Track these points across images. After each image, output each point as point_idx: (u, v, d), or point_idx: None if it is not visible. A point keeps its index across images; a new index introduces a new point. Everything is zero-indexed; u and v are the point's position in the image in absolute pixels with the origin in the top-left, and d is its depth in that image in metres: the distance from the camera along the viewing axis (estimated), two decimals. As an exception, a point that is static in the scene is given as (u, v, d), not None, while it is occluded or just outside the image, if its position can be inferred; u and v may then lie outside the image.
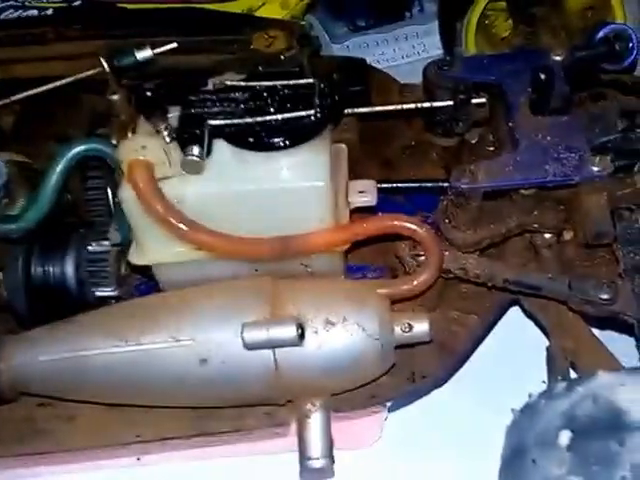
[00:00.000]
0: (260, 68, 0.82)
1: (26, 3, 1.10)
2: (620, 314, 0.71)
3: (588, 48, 0.87)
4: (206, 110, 0.70)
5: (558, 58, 0.84)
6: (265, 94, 0.70)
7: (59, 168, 0.73)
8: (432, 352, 0.76)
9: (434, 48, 1.22)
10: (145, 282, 0.81)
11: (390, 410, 0.77)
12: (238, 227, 0.69)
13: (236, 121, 0.69)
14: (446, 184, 0.79)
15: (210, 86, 0.76)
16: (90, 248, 0.80)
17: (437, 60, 0.89)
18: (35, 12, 1.11)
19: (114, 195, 0.78)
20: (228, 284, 0.69)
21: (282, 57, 0.88)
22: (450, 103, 0.85)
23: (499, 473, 0.63)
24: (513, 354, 0.86)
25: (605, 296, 0.70)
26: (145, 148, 0.67)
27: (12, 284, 0.76)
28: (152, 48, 0.87)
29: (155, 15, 1.06)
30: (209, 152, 0.68)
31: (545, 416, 0.56)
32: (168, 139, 0.68)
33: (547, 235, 0.81)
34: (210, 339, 0.66)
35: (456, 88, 0.85)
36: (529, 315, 0.83)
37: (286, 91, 0.70)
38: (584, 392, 0.55)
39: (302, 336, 0.64)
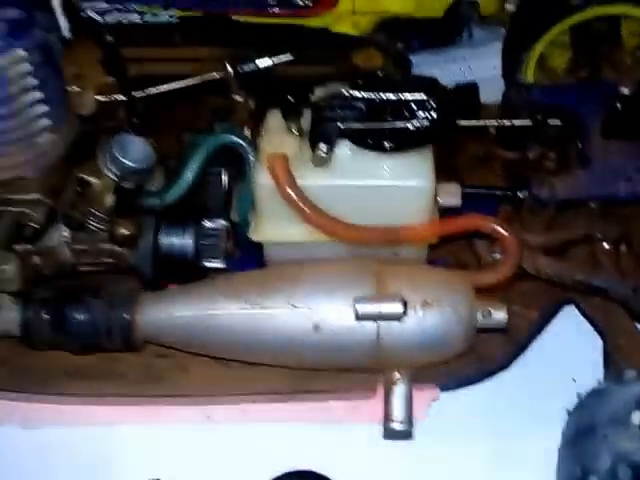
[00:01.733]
0: (359, 82, 0.87)
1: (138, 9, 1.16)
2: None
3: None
4: (334, 114, 0.75)
5: (626, 91, 0.89)
6: (384, 104, 0.76)
7: (201, 154, 0.79)
8: (497, 340, 0.81)
9: (480, 71, 1.21)
10: (246, 258, 0.86)
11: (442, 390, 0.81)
12: (351, 215, 0.76)
13: (359, 125, 0.75)
14: (524, 193, 0.85)
15: (316, 95, 0.83)
16: (206, 225, 0.86)
17: (519, 84, 0.95)
18: (136, 16, 1.17)
19: (237, 179, 0.85)
20: (339, 262, 0.76)
21: (379, 73, 0.95)
22: (528, 123, 0.90)
23: (561, 451, 0.68)
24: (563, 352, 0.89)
25: None
26: (282, 143, 0.74)
27: (143, 251, 0.82)
28: (271, 58, 0.94)
29: (267, 30, 1.12)
30: (334, 149, 0.75)
31: (617, 399, 0.62)
32: (300, 137, 0.74)
33: (607, 245, 0.86)
34: (324, 308, 0.72)
35: (533, 110, 0.90)
36: (584, 314, 0.86)
37: (403, 103, 0.76)
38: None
39: (405, 313, 0.71)
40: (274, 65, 0.93)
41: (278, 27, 1.14)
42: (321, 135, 0.74)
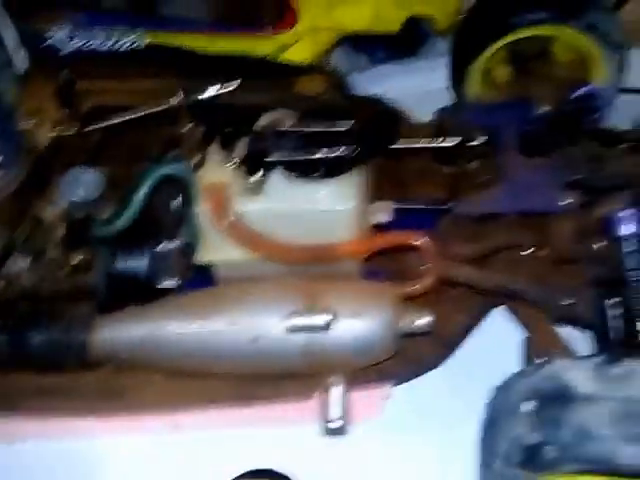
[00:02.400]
0: (303, 107, 0.92)
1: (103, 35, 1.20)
2: (578, 317, 0.83)
3: (569, 104, 1.00)
4: (267, 145, 0.82)
5: (545, 110, 0.96)
6: (313, 135, 0.82)
7: (147, 184, 0.85)
8: (428, 342, 0.86)
9: (440, 82, 1.26)
10: (198, 277, 0.91)
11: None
12: (284, 236, 0.82)
13: (290, 156, 0.81)
14: (448, 207, 0.91)
15: (263, 121, 0.89)
16: (159, 248, 0.91)
17: (449, 106, 1.01)
18: (100, 43, 1.22)
19: (183, 206, 0.91)
20: (275, 281, 0.82)
21: (319, 98, 1.01)
22: (456, 142, 0.96)
23: (479, 439, 0.75)
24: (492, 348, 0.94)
25: (568, 302, 0.82)
26: (218, 173, 0.80)
27: (98, 276, 0.87)
28: (218, 88, 0.99)
29: (215, 60, 1.18)
30: (267, 178, 0.81)
31: (513, 391, 0.68)
32: (235, 167, 0.81)
33: (525, 251, 0.91)
34: (260, 323, 0.78)
35: (462, 129, 0.96)
36: (512, 314, 0.91)
37: (329, 133, 0.82)
38: (545, 372, 0.67)
39: (330, 324, 0.77)
40: (221, 94, 0.98)
41: (227, 57, 1.19)
42: (255, 165, 0.80)
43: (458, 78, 1.16)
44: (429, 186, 1.00)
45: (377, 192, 0.92)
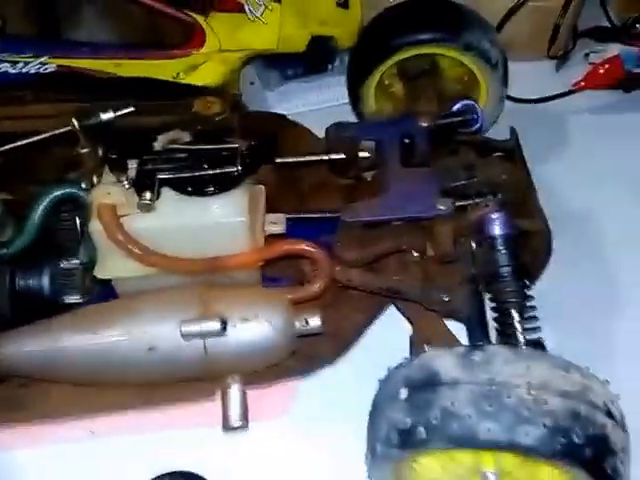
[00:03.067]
0: (199, 127, 0.95)
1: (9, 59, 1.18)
2: (456, 311, 0.88)
3: (447, 117, 1.05)
4: (156, 166, 0.84)
5: (424, 124, 1.02)
6: (200, 154, 0.85)
7: (42, 206, 0.86)
8: (326, 340, 0.90)
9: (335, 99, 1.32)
10: (103, 291, 0.91)
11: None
12: (179, 250, 0.84)
13: (178, 174, 0.83)
14: (337, 216, 0.95)
15: (159, 142, 0.91)
16: (62, 265, 0.92)
17: (335, 124, 1.06)
18: (8, 66, 1.19)
19: (82, 225, 0.92)
20: (169, 291, 0.83)
21: (216, 119, 1.03)
22: (343, 156, 1.01)
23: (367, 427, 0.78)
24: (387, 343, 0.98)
25: (446, 298, 0.87)
26: (110, 194, 0.82)
27: (1, 295, 0.87)
28: (114, 111, 1.00)
29: (116, 82, 1.19)
30: (158, 196, 0.83)
31: (393, 380, 0.72)
32: (127, 186, 0.82)
33: (414, 253, 0.95)
34: (156, 332, 0.80)
35: (349, 144, 1.01)
36: (402, 313, 0.96)
37: (216, 152, 0.85)
38: (417, 362, 0.71)
39: (224, 329, 0.80)
40: (117, 116, 1.00)
41: (127, 80, 1.19)
42: (144, 185, 0.82)
43: (354, 95, 1.20)
44: (325, 197, 1.04)
45: (277, 204, 0.95)
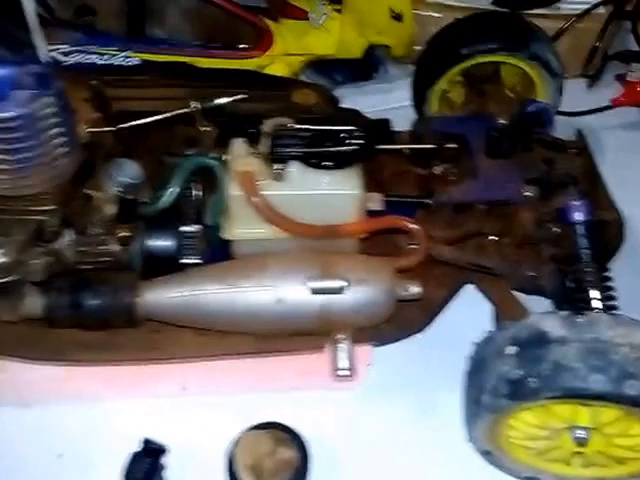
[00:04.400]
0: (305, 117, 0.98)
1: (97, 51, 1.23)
2: (542, 287, 0.92)
3: (522, 116, 1.10)
4: (285, 141, 0.88)
5: (503, 122, 1.06)
6: (323, 134, 0.90)
7: (183, 172, 0.90)
8: (416, 309, 0.94)
9: (393, 102, 1.34)
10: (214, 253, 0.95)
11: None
12: (299, 216, 0.88)
13: (305, 150, 0.88)
14: (429, 200, 0.99)
15: (266, 126, 0.95)
16: (184, 229, 0.96)
17: (424, 117, 1.10)
18: (96, 58, 1.25)
19: (209, 193, 0.96)
20: (295, 253, 0.88)
21: (313, 109, 1.08)
22: (434, 146, 1.05)
23: (464, 383, 0.82)
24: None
25: (534, 274, 0.91)
26: (247, 164, 0.86)
27: (135, 251, 0.91)
28: (228, 97, 1.04)
29: (222, 73, 1.23)
30: (286, 168, 0.88)
31: (497, 340, 0.77)
32: (263, 159, 0.87)
33: (492, 237, 1.00)
34: (284, 286, 0.84)
35: (435, 136, 1.05)
36: (480, 290, 0.99)
37: (336, 133, 0.90)
38: (523, 324, 0.76)
39: (343, 289, 0.84)
40: (231, 102, 1.05)
41: (230, 71, 1.24)
42: (277, 157, 0.87)
43: (419, 99, 1.24)
44: (403, 185, 1.07)
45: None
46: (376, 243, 0.97)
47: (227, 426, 0.88)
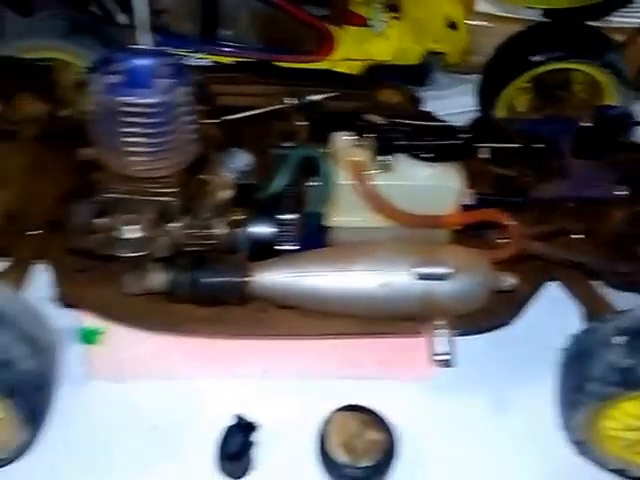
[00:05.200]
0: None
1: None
2: (636, 283, 0.92)
3: (605, 120, 1.09)
4: (391, 135, 0.90)
5: (585, 124, 1.06)
6: (425, 129, 0.92)
7: (291, 162, 0.92)
8: (502, 301, 0.94)
9: (449, 108, 1.32)
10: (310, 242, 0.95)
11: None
12: (402, 205, 0.90)
13: (411, 142, 0.90)
14: (518, 199, 0.99)
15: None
16: (282, 217, 0.98)
17: (507, 118, 1.10)
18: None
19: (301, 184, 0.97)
20: (399, 241, 0.90)
21: (397, 107, 1.10)
22: (519, 146, 1.05)
23: (561, 370, 0.82)
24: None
25: (628, 270, 0.91)
26: (358, 155, 0.88)
27: (242, 235, 0.94)
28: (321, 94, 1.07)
29: (310, 72, 1.27)
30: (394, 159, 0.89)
31: (602, 330, 0.77)
32: (370, 150, 0.89)
33: (577, 235, 1.00)
34: (389, 270, 0.86)
35: (521, 137, 1.04)
36: (565, 287, 1.00)
37: (440, 128, 0.92)
38: (630, 316, 0.76)
39: (447, 276, 0.86)
40: (323, 99, 1.06)
41: (321, 71, 1.28)
42: (384, 149, 0.89)
43: (488, 102, 1.26)
44: (482, 184, 1.06)
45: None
46: (465, 236, 0.98)
47: (312, 407, 0.90)
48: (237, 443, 0.86)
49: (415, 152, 0.90)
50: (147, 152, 0.79)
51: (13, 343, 0.73)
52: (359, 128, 0.91)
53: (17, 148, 0.96)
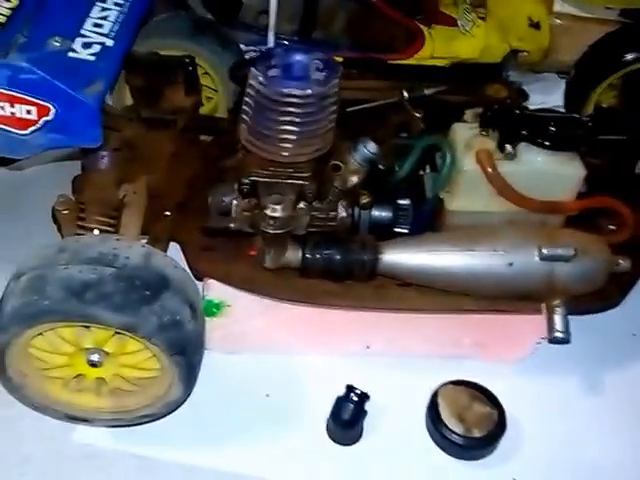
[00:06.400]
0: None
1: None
2: None
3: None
4: (515, 125, 0.92)
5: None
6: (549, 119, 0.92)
7: (418, 149, 0.95)
8: (612, 284, 0.94)
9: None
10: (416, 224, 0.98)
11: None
12: (527, 191, 0.92)
13: (535, 133, 0.91)
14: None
15: (468, 115, 0.99)
16: (400, 202, 1.00)
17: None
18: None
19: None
20: (523, 225, 0.91)
21: (507, 101, 1.11)
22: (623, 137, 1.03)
23: None
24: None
25: None
26: (479, 144, 0.91)
27: (365, 216, 0.97)
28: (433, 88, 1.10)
29: (423, 68, 1.30)
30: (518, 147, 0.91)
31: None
32: (495, 139, 0.91)
33: None
34: (516, 251, 0.88)
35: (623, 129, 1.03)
36: None
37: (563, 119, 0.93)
38: None
39: (571, 257, 0.87)
40: (435, 93, 1.09)
41: (429, 66, 1.31)
42: (508, 139, 0.91)
43: (580, 101, 1.26)
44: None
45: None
46: (578, 222, 0.99)
47: (418, 382, 0.94)
48: (349, 412, 0.89)
49: (538, 140, 0.91)
50: (297, 139, 0.83)
51: (181, 306, 0.78)
52: (483, 118, 0.93)
53: (167, 137, 1.02)
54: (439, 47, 1.34)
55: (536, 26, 1.37)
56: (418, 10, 1.37)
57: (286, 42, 1.33)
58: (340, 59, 1.33)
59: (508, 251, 0.88)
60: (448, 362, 0.97)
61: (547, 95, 1.32)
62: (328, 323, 0.95)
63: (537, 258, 0.87)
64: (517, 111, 0.93)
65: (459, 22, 1.36)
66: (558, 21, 1.41)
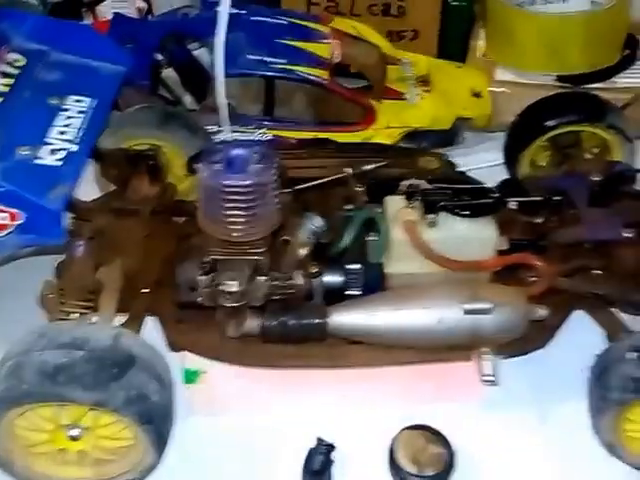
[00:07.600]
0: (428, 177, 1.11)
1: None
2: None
3: (613, 174, 1.20)
4: (434, 197, 1.03)
5: (597, 178, 1.17)
6: (461, 190, 1.03)
7: (357, 222, 1.04)
8: (537, 329, 1.03)
9: (481, 163, 1.46)
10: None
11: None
12: (450, 253, 1.01)
13: (452, 202, 1.02)
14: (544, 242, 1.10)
15: (403, 186, 1.10)
16: (348, 267, 1.09)
17: (532, 175, 1.22)
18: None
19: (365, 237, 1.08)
20: (450, 282, 1.00)
21: (437, 172, 1.22)
22: (541, 199, 1.16)
23: (589, 390, 0.91)
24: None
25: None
26: (410, 214, 1.01)
27: (318, 284, 1.05)
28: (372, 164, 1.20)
29: (358, 146, 1.42)
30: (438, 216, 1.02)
31: (617, 349, 0.87)
32: (419, 210, 1.02)
33: (597, 271, 1.10)
34: (444, 308, 0.96)
35: (543, 190, 1.16)
36: (589, 314, 1.08)
37: (472, 190, 1.04)
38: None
39: (491, 310, 0.96)
40: (374, 168, 1.20)
41: (369, 144, 1.43)
42: (429, 209, 1.01)
43: (513, 161, 1.38)
44: (513, 232, 1.17)
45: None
46: (502, 276, 1.08)
47: (381, 428, 0.99)
48: (318, 462, 0.96)
49: (455, 210, 1.02)
50: (244, 222, 0.93)
51: (148, 380, 0.85)
52: (408, 192, 1.04)
53: (136, 223, 1.11)
54: (391, 118, 1.47)
55: (477, 95, 1.51)
56: (367, 87, 1.51)
57: (253, 120, 1.45)
58: (294, 140, 1.46)
59: (437, 308, 0.96)
60: (408, 408, 1.03)
61: (498, 152, 1.42)
62: (303, 378, 1.02)
63: (462, 313, 0.95)
64: (434, 185, 1.03)
65: (407, 95, 1.50)
66: (501, 89, 1.54)
